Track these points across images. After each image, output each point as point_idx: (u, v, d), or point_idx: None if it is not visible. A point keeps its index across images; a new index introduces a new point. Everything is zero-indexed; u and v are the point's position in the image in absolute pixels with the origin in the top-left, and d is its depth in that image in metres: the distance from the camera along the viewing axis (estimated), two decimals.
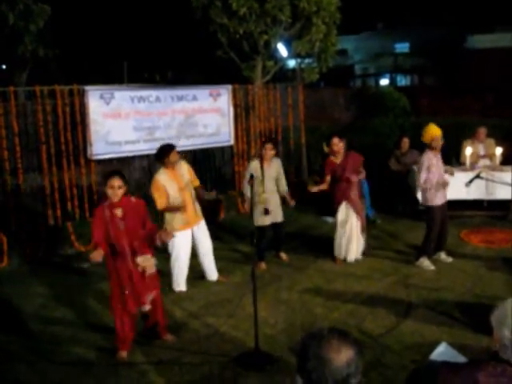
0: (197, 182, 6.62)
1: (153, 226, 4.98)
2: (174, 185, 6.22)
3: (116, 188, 4.70)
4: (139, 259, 4.80)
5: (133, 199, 4.91)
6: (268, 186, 7.08)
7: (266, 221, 7.08)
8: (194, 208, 6.42)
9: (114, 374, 4.63)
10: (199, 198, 6.59)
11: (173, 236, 5.24)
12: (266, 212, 6.99)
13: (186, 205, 6.25)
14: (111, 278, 4.92)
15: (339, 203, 7.19)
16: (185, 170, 6.42)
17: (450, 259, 7.19)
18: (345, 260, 7.26)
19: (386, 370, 4.54)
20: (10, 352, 5.06)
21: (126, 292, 4.83)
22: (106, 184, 4.73)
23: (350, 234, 7.19)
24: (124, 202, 4.78)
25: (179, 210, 6.16)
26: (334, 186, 7.23)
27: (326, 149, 7.22)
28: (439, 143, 6.82)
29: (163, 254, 6.45)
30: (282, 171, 7.30)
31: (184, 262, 6.44)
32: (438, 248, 7.19)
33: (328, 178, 7.17)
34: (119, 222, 4.74)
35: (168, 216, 6.32)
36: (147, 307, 4.97)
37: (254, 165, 7.08)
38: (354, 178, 7.08)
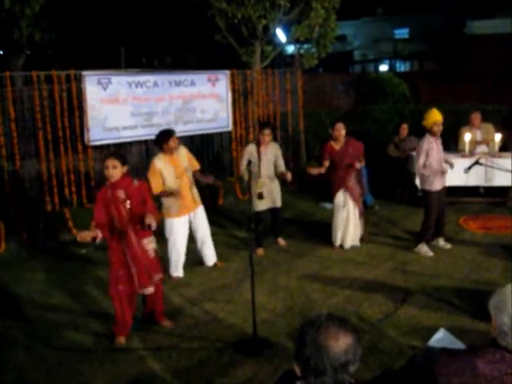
0: (197, 166, 6.59)
1: (152, 208, 4.96)
2: (172, 171, 6.20)
3: (110, 168, 4.72)
4: (145, 241, 4.86)
5: (135, 182, 4.91)
6: (264, 171, 7.05)
7: (262, 205, 7.06)
8: (191, 194, 6.40)
9: (112, 359, 4.63)
10: (197, 184, 6.58)
11: (156, 223, 5.07)
12: (260, 196, 6.97)
13: (183, 191, 6.22)
14: (112, 261, 4.88)
15: (337, 190, 7.18)
16: (183, 155, 6.39)
17: (448, 245, 7.19)
18: (341, 247, 7.26)
19: (383, 356, 4.54)
20: (7, 337, 5.07)
21: (133, 270, 4.83)
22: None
23: (347, 220, 7.20)
24: (125, 183, 4.80)
25: (174, 195, 6.12)
26: (332, 172, 7.20)
27: (331, 132, 7.19)
28: (440, 128, 6.80)
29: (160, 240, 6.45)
30: (280, 154, 7.25)
31: (181, 248, 6.43)
32: (437, 234, 7.19)
33: (326, 162, 7.14)
34: (121, 203, 4.75)
35: (165, 201, 6.30)
36: (151, 289, 4.96)
37: (251, 149, 7.05)
38: (357, 165, 7.05)
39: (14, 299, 5.97)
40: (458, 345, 2.67)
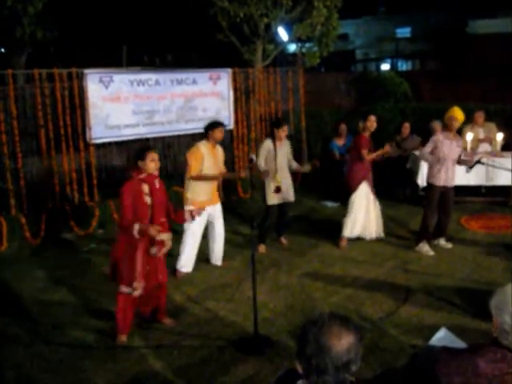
0: (223, 169, 6.73)
1: (171, 205, 5.17)
2: (211, 159, 6.34)
3: (157, 160, 4.87)
4: (164, 236, 4.89)
5: (158, 179, 5.01)
6: (281, 165, 7.13)
7: (276, 199, 7.13)
8: (216, 189, 6.59)
9: (113, 357, 4.64)
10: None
11: (196, 216, 5.35)
12: (278, 190, 7.05)
13: (214, 183, 6.45)
14: (125, 256, 4.81)
15: (361, 181, 7.24)
16: (221, 152, 6.62)
17: (449, 245, 7.19)
18: (359, 240, 7.37)
19: (385, 354, 4.55)
20: (8, 334, 5.07)
21: (148, 267, 4.87)
22: (142, 158, 4.80)
23: (368, 212, 7.32)
24: (153, 178, 4.90)
25: (214, 179, 6.33)
26: (357, 164, 7.24)
27: (361, 125, 7.29)
28: (453, 124, 6.82)
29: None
30: (290, 151, 7.41)
31: (197, 240, 6.47)
32: (439, 234, 7.19)
33: (365, 151, 7.16)
34: (147, 196, 4.81)
35: (195, 187, 6.32)
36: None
37: (268, 144, 7.11)
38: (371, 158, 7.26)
39: (16, 296, 5.98)
40: (459, 344, 2.68)
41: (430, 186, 6.97)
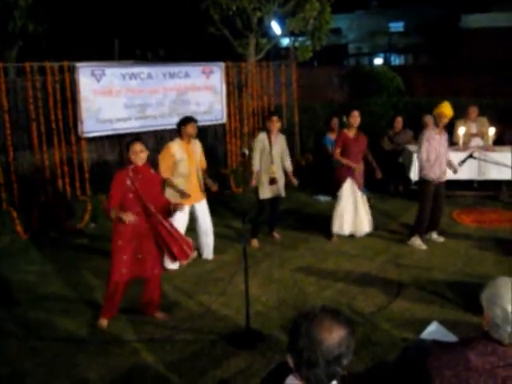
0: (204, 165, 6.69)
1: (166, 200, 5.19)
2: (185, 158, 6.27)
3: (139, 152, 4.87)
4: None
5: (152, 170, 5.07)
6: (275, 158, 7.12)
7: (269, 193, 7.11)
8: (198, 185, 6.48)
9: (106, 351, 4.63)
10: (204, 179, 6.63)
11: (183, 208, 5.37)
12: (272, 182, 7.03)
13: (190, 181, 6.35)
14: (117, 244, 4.91)
15: (346, 178, 7.21)
16: (198, 149, 6.52)
17: (441, 239, 7.22)
18: (351, 236, 7.36)
19: (376, 348, 4.56)
20: (1, 329, 5.04)
21: (139, 256, 4.95)
22: (127, 151, 4.90)
23: (356, 209, 7.28)
24: (144, 169, 4.95)
25: (181, 194, 6.13)
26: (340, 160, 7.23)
27: (345, 120, 7.26)
28: (442, 121, 6.83)
29: None
30: (286, 147, 7.36)
31: None
32: (431, 228, 7.22)
33: (338, 150, 7.16)
34: (139, 186, 4.87)
35: (170, 189, 6.27)
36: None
37: (262, 137, 7.10)
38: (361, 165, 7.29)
39: (9, 289, 5.95)
40: (451, 337, 2.69)
41: (424, 182, 6.97)
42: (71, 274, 6.36)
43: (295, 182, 7.37)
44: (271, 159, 7.05)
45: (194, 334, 4.90)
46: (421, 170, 7.01)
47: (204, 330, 4.98)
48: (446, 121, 6.85)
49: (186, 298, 5.69)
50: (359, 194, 7.30)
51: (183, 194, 6.11)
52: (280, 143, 7.22)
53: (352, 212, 7.28)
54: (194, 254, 5.22)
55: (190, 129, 6.25)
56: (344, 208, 7.25)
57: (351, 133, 7.19)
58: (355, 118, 7.14)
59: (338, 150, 7.19)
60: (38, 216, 7.68)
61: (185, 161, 6.26)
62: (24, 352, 4.65)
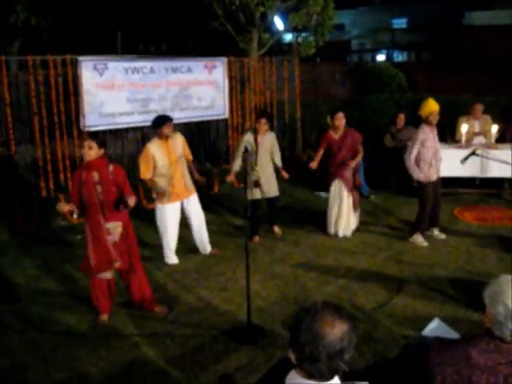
0: (190, 156, 6.60)
1: (130, 191, 5.02)
2: (165, 157, 6.19)
3: (86, 148, 4.85)
4: (109, 225, 4.93)
5: (111, 166, 4.98)
6: (261, 160, 7.03)
7: (257, 194, 7.04)
8: (184, 182, 6.39)
9: (106, 345, 4.64)
10: (191, 172, 6.57)
11: (133, 203, 5.06)
12: (256, 184, 6.94)
13: (175, 178, 6.26)
14: (88, 239, 4.98)
15: (333, 179, 7.19)
16: (179, 142, 6.38)
17: (442, 236, 7.21)
18: (336, 235, 7.29)
19: (377, 344, 4.56)
20: (1, 323, 5.05)
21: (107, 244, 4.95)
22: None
23: (340, 210, 7.22)
24: (99, 165, 4.89)
25: (161, 194, 6.14)
26: (328, 161, 7.21)
27: (329, 121, 7.19)
28: (436, 118, 6.78)
29: (153, 228, 6.46)
30: (276, 144, 7.27)
31: (172, 236, 6.41)
32: (431, 225, 7.21)
33: (321, 151, 7.16)
34: (94, 184, 4.86)
35: (156, 188, 6.25)
36: (108, 275, 5.05)
37: (248, 137, 7.04)
38: (352, 164, 7.12)
39: (7, 285, 5.96)
40: (452, 334, 2.69)
41: (424, 184, 6.93)
42: (71, 269, 6.35)
43: (286, 175, 7.28)
44: (255, 161, 6.97)
45: (195, 329, 4.90)
46: (410, 171, 6.92)
47: (205, 324, 4.98)
48: (437, 118, 6.80)
49: (187, 292, 5.68)
50: (345, 195, 7.19)
51: (161, 194, 6.14)
52: (268, 143, 7.11)
53: (336, 213, 7.25)
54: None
55: (166, 130, 6.15)
56: (331, 207, 7.26)
57: (336, 134, 7.14)
58: (340, 120, 7.08)
59: (320, 151, 7.19)
60: (38, 210, 7.68)
61: (165, 160, 6.19)
62: (24, 345, 4.66)
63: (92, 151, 4.85)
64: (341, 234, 7.30)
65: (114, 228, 4.96)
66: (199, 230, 6.66)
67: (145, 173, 6.17)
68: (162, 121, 6.18)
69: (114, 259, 4.95)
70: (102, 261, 4.94)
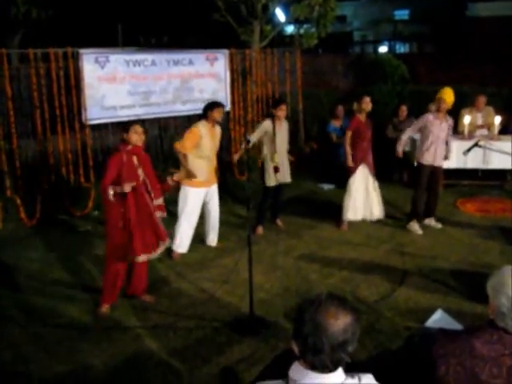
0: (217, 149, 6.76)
1: (155, 179, 5.23)
2: (209, 140, 6.34)
3: (140, 133, 4.99)
4: (159, 201, 5.16)
5: (143, 152, 5.17)
6: (279, 146, 7.11)
7: (274, 181, 7.11)
8: (213, 168, 6.58)
9: (109, 338, 4.64)
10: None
11: (173, 182, 5.52)
12: (276, 170, 7.04)
13: (210, 164, 6.42)
14: (116, 226, 4.93)
15: (359, 163, 7.19)
16: (219, 132, 6.59)
17: (439, 225, 7.28)
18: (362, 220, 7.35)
19: (380, 336, 4.57)
20: (5, 315, 5.06)
21: (136, 236, 4.93)
22: (127, 131, 4.93)
23: (369, 194, 7.29)
24: (138, 150, 5.05)
25: (192, 176, 6.19)
26: (354, 146, 7.18)
27: (355, 106, 7.25)
28: (442, 107, 6.90)
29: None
30: (288, 135, 7.42)
31: (194, 221, 6.47)
32: (428, 214, 7.27)
33: (349, 133, 7.14)
34: (136, 167, 4.99)
35: (191, 167, 6.25)
36: (165, 243, 5.19)
37: (267, 124, 7.08)
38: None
39: (12, 276, 5.96)
40: (456, 326, 2.68)
41: (419, 165, 7.08)
42: (75, 261, 6.37)
43: (291, 158, 7.49)
44: (274, 147, 7.04)
45: (198, 321, 4.91)
46: (416, 153, 7.17)
47: (207, 316, 4.98)
48: (444, 106, 6.91)
49: (189, 284, 5.69)
50: (371, 179, 7.29)
51: (190, 174, 6.18)
52: (285, 129, 7.25)
53: (363, 197, 7.27)
54: (167, 243, 5.30)
55: (216, 114, 6.32)
56: (356, 194, 7.24)
57: (363, 118, 7.19)
58: (367, 103, 7.15)
59: (349, 134, 7.15)
60: (41, 203, 7.68)
61: (207, 143, 6.33)
62: (27, 337, 4.67)
63: (143, 136, 5.03)
64: (376, 217, 7.35)
65: (162, 203, 5.20)
66: (214, 221, 6.72)
67: (187, 147, 6.24)
68: (214, 104, 6.37)
69: (163, 238, 5.11)
70: (149, 241, 5.03)
